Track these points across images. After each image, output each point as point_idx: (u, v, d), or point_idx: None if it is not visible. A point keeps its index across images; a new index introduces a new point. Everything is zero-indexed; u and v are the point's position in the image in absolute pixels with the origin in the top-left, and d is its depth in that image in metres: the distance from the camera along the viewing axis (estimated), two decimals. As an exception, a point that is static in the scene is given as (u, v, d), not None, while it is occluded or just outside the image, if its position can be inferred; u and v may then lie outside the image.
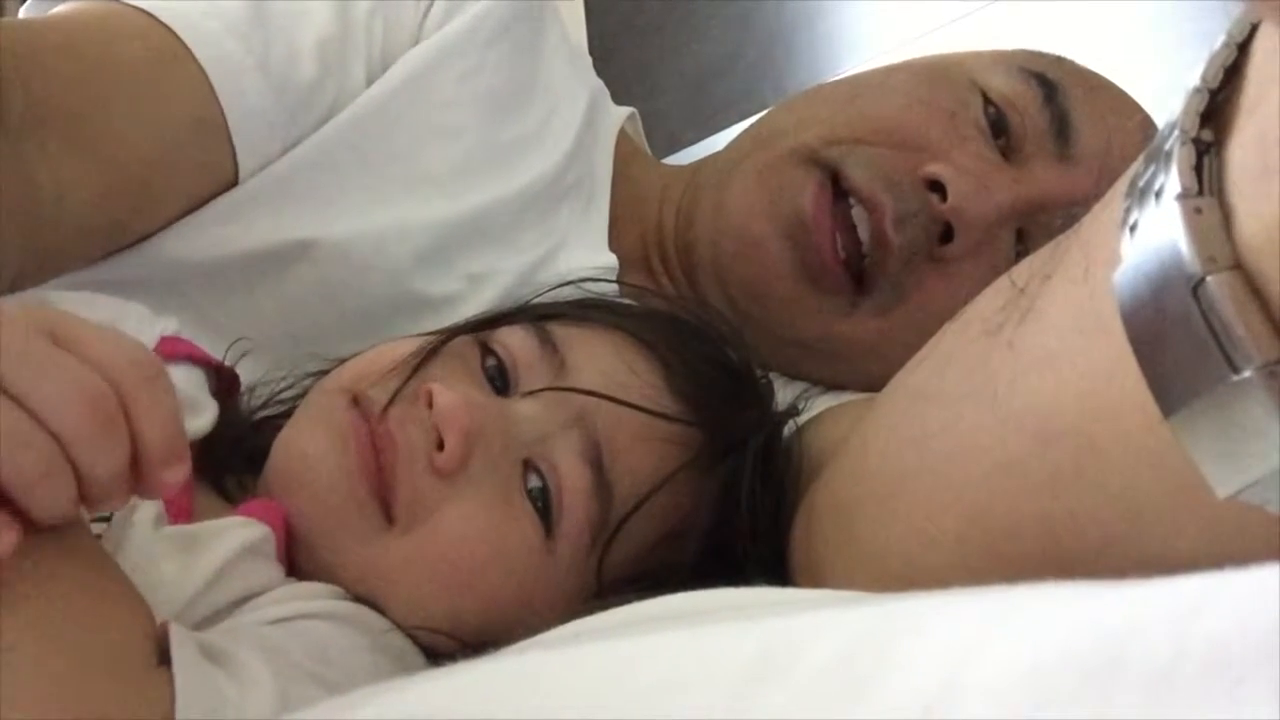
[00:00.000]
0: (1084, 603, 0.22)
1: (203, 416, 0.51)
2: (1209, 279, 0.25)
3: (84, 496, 0.36)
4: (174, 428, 0.37)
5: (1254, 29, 0.26)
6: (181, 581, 0.43)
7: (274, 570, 0.47)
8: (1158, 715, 0.19)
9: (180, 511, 0.47)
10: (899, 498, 0.40)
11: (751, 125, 0.75)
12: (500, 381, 0.52)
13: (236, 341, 0.58)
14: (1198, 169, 0.26)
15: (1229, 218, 0.25)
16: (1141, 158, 0.28)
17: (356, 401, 0.50)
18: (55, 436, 0.34)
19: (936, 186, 0.64)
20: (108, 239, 0.58)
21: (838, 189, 0.66)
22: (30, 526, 0.35)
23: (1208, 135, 0.26)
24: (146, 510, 0.44)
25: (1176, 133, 0.26)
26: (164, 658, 0.38)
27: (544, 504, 0.49)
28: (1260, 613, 0.19)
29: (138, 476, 0.37)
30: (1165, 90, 0.28)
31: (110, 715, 0.35)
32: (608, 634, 0.32)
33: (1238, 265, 0.25)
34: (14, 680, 0.33)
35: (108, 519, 0.43)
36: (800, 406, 0.61)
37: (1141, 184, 0.27)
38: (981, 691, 0.20)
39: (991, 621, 0.22)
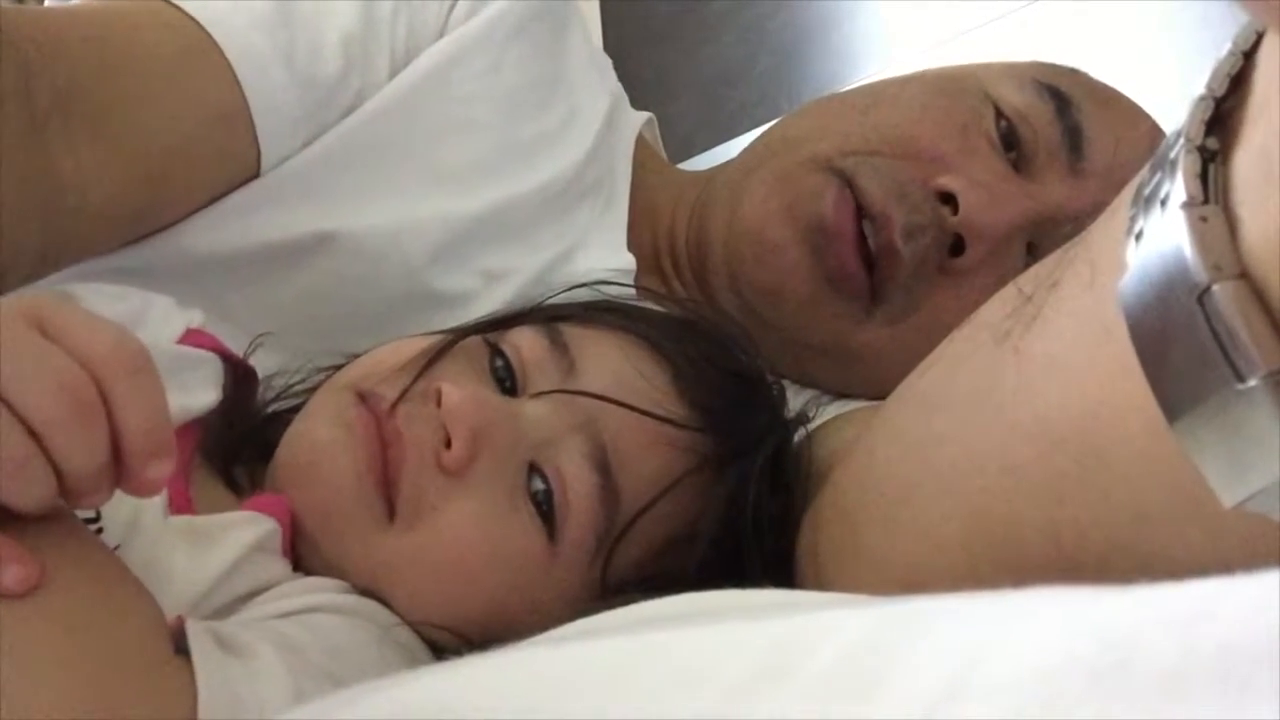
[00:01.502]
0: (1091, 606, 0.22)
1: (204, 397, 0.51)
2: (1214, 287, 0.25)
3: (64, 489, 0.36)
4: (157, 420, 0.37)
5: (1259, 37, 0.26)
6: (193, 576, 0.43)
7: (280, 565, 0.47)
8: (1163, 719, 0.19)
9: (181, 502, 0.47)
10: (904, 503, 0.40)
11: (765, 132, 0.75)
12: (509, 382, 0.52)
13: (259, 337, 0.58)
14: (1203, 177, 0.26)
15: (1234, 226, 0.25)
16: (1147, 166, 0.28)
17: (365, 398, 0.50)
18: (30, 427, 0.34)
19: (948, 199, 0.64)
20: (128, 227, 0.59)
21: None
22: (14, 518, 0.35)
23: (1213, 143, 0.26)
24: (153, 502, 0.44)
25: (1182, 141, 0.26)
26: (179, 649, 0.38)
27: (548, 507, 0.49)
28: (1268, 617, 0.19)
29: (120, 470, 0.36)
30: (1180, 98, 0.28)
31: (134, 707, 0.35)
32: (613, 632, 0.32)
33: (1243, 274, 0.25)
34: (38, 672, 0.34)
35: (96, 519, 0.42)
36: (810, 414, 0.61)
37: (1147, 192, 0.27)
38: (987, 693, 0.20)
39: (998, 624, 0.22)
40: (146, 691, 0.36)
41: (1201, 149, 0.26)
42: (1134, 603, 0.21)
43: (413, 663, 0.47)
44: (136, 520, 0.43)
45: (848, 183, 0.66)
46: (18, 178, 0.49)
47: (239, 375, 0.54)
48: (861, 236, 0.65)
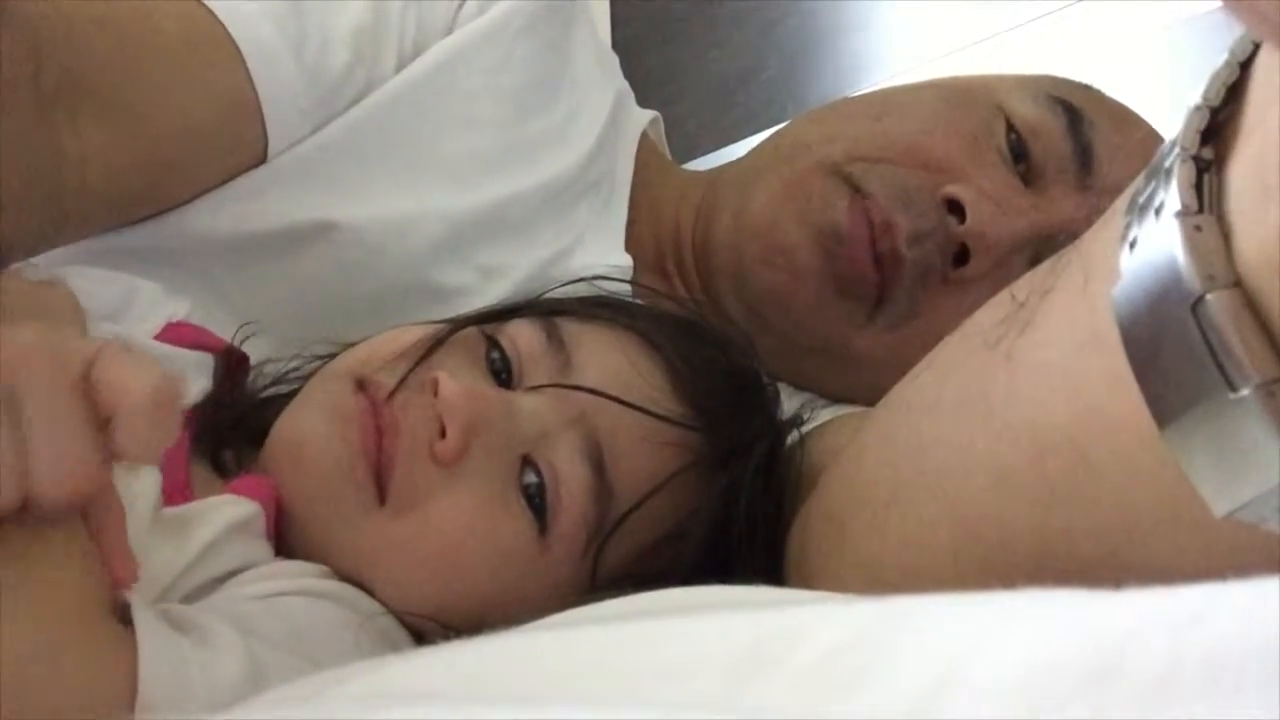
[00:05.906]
0: (1083, 608, 0.22)
1: (194, 386, 0.51)
2: (1208, 297, 0.25)
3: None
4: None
5: (1256, 48, 0.26)
6: (170, 561, 0.43)
7: (261, 547, 0.47)
8: None
9: (180, 489, 0.47)
10: (894, 507, 0.40)
11: (773, 135, 0.75)
12: (505, 375, 0.52)
13: (244, 325, 0.58)
14: (1198, 187, 0.26)
15: (1228, 236, 0.25)
16: (1142, 174, 0.28)
17: (363, 385, 0.50)
18: (28, 473, 0.33)
19: (956, 208, 0.64)
20: (130, 208, 0.59)
21: None
22: None
23: (1208, 153, 0.26)
24: (146, 493, 0.44)
25: (1177, 150, 0.26)
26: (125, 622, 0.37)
27: (539, 501, 0.49)
28: (1260, 622, 0.19)
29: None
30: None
31: (74, 669, 0.34)
32: (601, 621, 0.33)
33: (1237, 283, 0.25)
34: None
35: None
36: (804, 416, 0.61)
37: (1141, 200, 0.27)
38: (976, 691, 0.20)
39: (989, 623, 0.22)
40: (87, 651, 0.35)
41: (1196, 158, 0.26)
42: (1126, 605, 0.21)
43: (393, 651, 0.46)
44: (130, 509, 0.43)
45: (856, 188, 0.66)
46: (22, 154, 0.49)
47: (230, 362, 0.54)
48: (873, 241, 0.65)
